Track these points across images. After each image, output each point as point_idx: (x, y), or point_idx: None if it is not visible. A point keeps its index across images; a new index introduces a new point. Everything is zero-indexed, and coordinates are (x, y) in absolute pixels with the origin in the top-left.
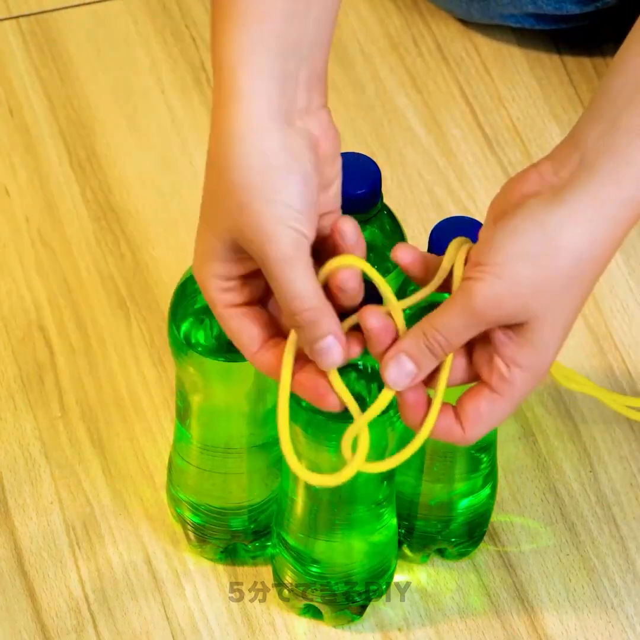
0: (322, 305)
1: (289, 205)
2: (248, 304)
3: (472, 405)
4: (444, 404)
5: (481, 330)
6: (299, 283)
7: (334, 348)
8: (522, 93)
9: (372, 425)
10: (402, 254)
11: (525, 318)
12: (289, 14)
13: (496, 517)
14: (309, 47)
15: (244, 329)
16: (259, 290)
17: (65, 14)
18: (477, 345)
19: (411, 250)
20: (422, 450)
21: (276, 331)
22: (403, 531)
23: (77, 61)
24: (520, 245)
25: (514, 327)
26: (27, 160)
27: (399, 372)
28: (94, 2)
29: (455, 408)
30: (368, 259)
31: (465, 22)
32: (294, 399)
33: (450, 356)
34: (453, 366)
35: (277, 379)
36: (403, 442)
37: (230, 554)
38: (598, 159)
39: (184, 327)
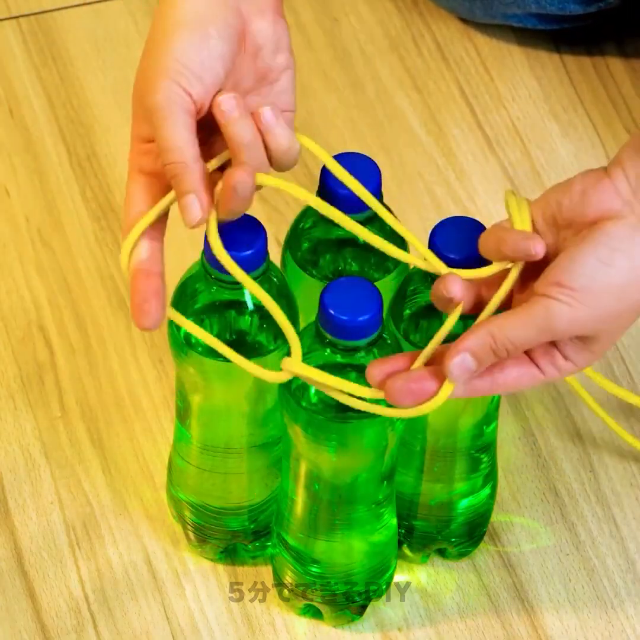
0: (190, 162)
1: (179, 61)
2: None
3: (516, 373)
4: None
5: (547, 340)
6: (172, 136)
7: (194, 206)
8: (522, 93)
9: (371, 425)
10: (453, 289)
11: (596, 335)
12: None
13: (496, 517)
14: None
15: (137, 194)
16: None
17: (65, 14)
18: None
19: (457, 281)
20: (422, 451)
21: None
22: (403, 531)
23: (77, 61)
24: (608, 276)
25: (581, 338)
26: (27, 160)
27: (461, 369)
28: (94, 2)
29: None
30: (368, 259)
31: (465, 22)
32: (295, 398)
33: None
34: None
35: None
36: (403, 443)
37: (230, 554)
38: None
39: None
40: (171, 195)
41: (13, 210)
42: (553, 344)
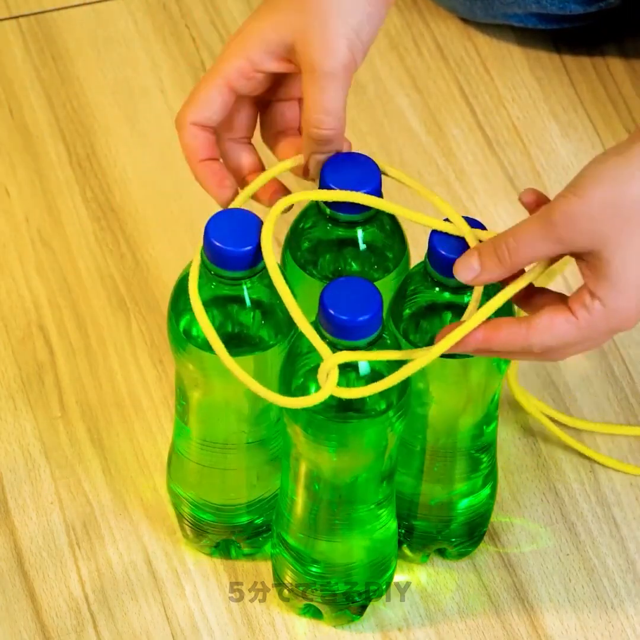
0: (342, 128)
1: (355, 29)
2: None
3: (548, 315)
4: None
5: (550, 250)
6: (335, 101)
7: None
8: (522, 93)
9: (371, 425)
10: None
11: (599, 245)
12: None
13: (496, 518)
14: None
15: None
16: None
17: (65, 14)
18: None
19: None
20: (422, 451)
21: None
22: (403, 531)
23: (77, 61)
24: (600, 170)
25: (591, 260)
26: (27, 160)
27: (464, 265)
28: (94, 2)
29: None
30: (368, 259)
31: (465, 22)
32: (292, 394)
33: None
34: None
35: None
36: (403, 443)
37: (222, 550)
38: None
39: (184, 321)
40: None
41: (13, 210)
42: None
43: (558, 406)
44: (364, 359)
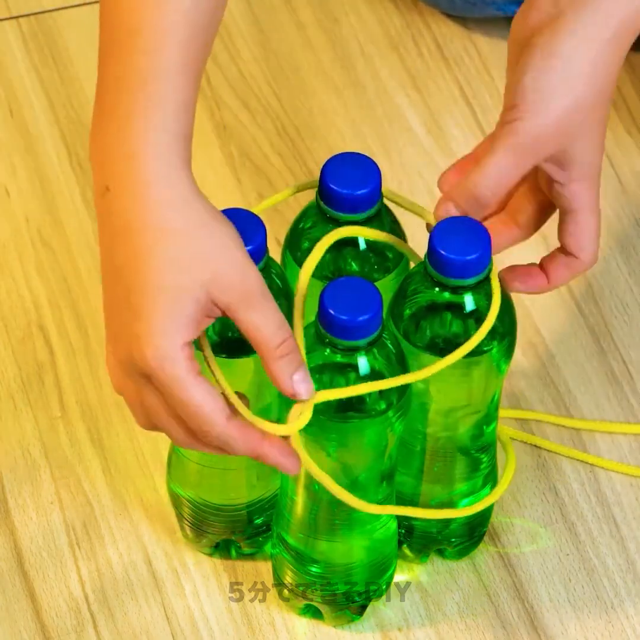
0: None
1: (243, 247)
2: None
3: (568, 235)
4: (552, 255)
5: (524, 171)
6: (278, 312)
7: (307, 383)
8: None
9: (371, 425)
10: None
11: (567, 142)
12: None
13: (496, 518)
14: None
15: (213, 395)
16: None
17: (65, 14)
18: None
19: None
20: (422, 451)
21: None
22: (403, 531)
23: (77, 61)
24: (544, 81)
25: (556, 157)
26: (27, 160)
27: (445, 214)
28: (94, 2)
29: (560, 250)
30: (368, 260)
31: (464, 22)
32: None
33: None
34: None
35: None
36: (403, 443)
37: (222, 550)
38: None
39: None
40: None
41: (13, 210)
42: (547, 193)
43: (558, 406)
44: (342, 396)
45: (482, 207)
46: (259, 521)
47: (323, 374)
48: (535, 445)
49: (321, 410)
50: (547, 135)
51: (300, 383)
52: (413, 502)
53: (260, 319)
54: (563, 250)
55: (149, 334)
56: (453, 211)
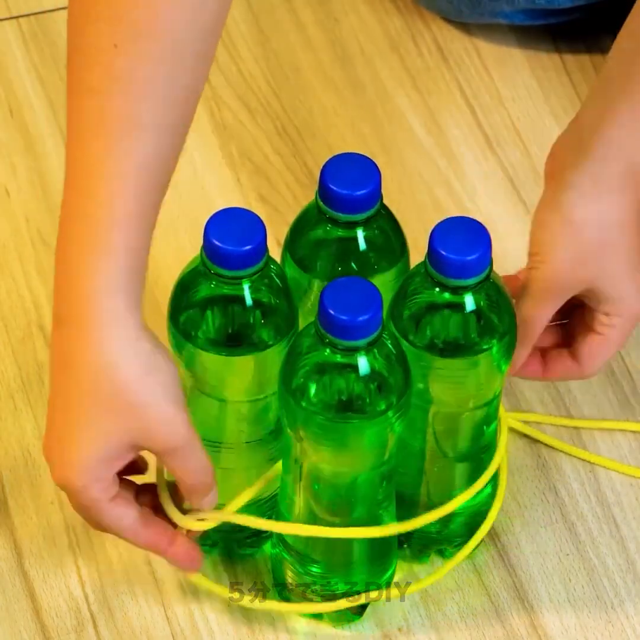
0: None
1: (177, 397)
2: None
3: (585, 346)
4: (559, 351)
5: (554, 308)
6: (201, 459)
7: (215, 497)
8: (522, 93)
9: (371, 425)
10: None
11: (588, 283)
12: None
13: (496, 517)
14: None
15: (125, 516)
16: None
17: (65, 14)
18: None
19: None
20: (422, 451)
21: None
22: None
23: None
24: (550, 233)
25: (589, 295)
26: (27, 160)
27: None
28: None
29: (569, 351)
30: (368, 260)
31: (464, 23)
32: (295, 399)
33: None
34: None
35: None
36: (404, 443)
37: (222, 551)
38: (592, 140)
39: (183, 320)
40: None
41: (13, 210)
42: (588, 319)
43: (558, 406)
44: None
45: (528, 347)
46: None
47: (323, 375)
48: (535, 442)
49: (321, 410)
50: (560, 281)
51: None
52: (413, 502)
53: (182, 466)
54: (572, 350)
55: (73, 462)
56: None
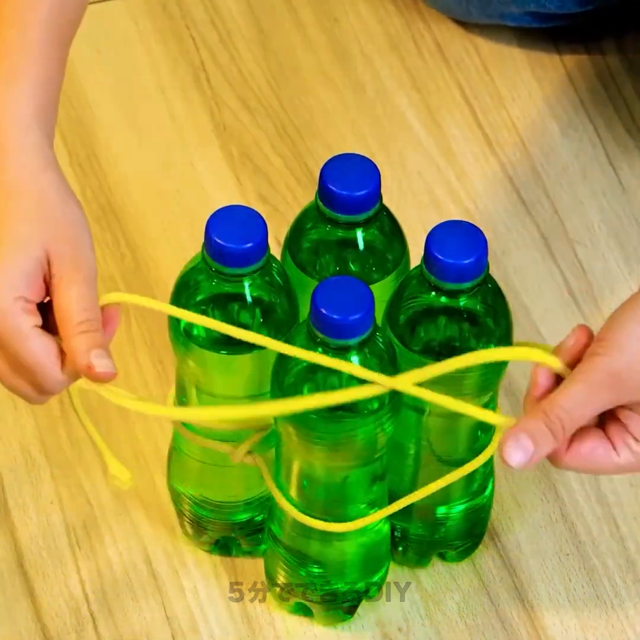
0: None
1: (88, 230)
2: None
3: (591, 443)
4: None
5: (601, 407)
6: (94, 300)
7: (106, 359)
8: (522, 93)
9: (362, 424)
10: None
11: None
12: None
13: (496, 518)
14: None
15: (48, 345)
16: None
17: None
18: (608, 423)
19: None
20: (416, 455)
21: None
22: (399, 535)
23: (77, 61)
24: (635, 325)
25: (636, 406)
26: None
27: (516, 447)
28: (93, 2)
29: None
30: (367, 261)
31: (464, 23)
32: (285, 395)
33: None
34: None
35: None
36: (398, 446)
37: (222, 549)
38: None
39: (185, 320)
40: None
41: None
42: (624, 426)
43: None
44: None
45: (551, 440)
46: (259, 518)
47: (316, 374)
48: None
49: (313, 409)
50: (623, 375)
51: (98, 358)
52: (407, 506)
53: (74, 296)
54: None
55: None
56: (523, 442)
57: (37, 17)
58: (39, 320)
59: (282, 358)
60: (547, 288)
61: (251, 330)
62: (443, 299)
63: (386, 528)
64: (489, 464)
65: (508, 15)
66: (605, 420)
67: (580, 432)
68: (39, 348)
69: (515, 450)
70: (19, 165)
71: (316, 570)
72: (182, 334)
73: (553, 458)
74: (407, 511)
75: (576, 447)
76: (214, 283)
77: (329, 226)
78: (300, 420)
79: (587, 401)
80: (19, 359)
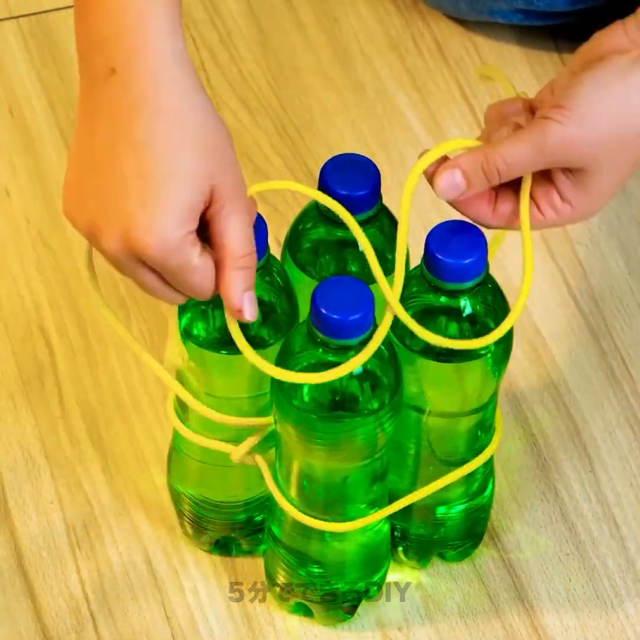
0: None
1: (234, 154)
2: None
3: (514, 207)
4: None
5: (542, 168)
6: (252, 228)
7: (255, 307)
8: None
9: (362, 424)
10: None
11: (589, 166)
12: None
13: (496, 518)
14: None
15: (211, 273)
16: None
17: (65, 14)
18: (535, 183)
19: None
20: (416, 455)
21: None
22: (399, 534)
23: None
24: (603, 97)
25: (574, 171)
26: (27, 160)
27: (449, 183)
28: None
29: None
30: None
31: (464, 22)
32: (287, 397)
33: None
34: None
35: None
36: (398, 446)
37: (222, 549)
38: None
39: (185, 319)
40: None
41: (13, 210)
42: (551, 183)
43: (558, 406)
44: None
45: (484, 185)
46: (258, 518)
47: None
48: (535, 442)
49: (312, 408)
50: (577, 147)
51: (248, 301)
52: (407, 506)
53: (236, 225)
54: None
55: (153, 226)
56: (457, 179)
57: None
58: (200, 248)
59: (282, 357)
60: (547, 288)
61: (251, 331)
62: (443, 299)
63: (386, 528)
64: (488, 464)
65: (497, 11)
66: (533, 179)
67: (506, 193)
68: (202, 278)
69: (449, 187)
70: (178, 87)
71: (316, 570)
72: (182, 334)
73: (480, 219)
74: (407, 511)
75: (501, 208)
76: None
77: (329, 226)
78: (300, 420)
79: (530, 162)
80: (181, 284)
